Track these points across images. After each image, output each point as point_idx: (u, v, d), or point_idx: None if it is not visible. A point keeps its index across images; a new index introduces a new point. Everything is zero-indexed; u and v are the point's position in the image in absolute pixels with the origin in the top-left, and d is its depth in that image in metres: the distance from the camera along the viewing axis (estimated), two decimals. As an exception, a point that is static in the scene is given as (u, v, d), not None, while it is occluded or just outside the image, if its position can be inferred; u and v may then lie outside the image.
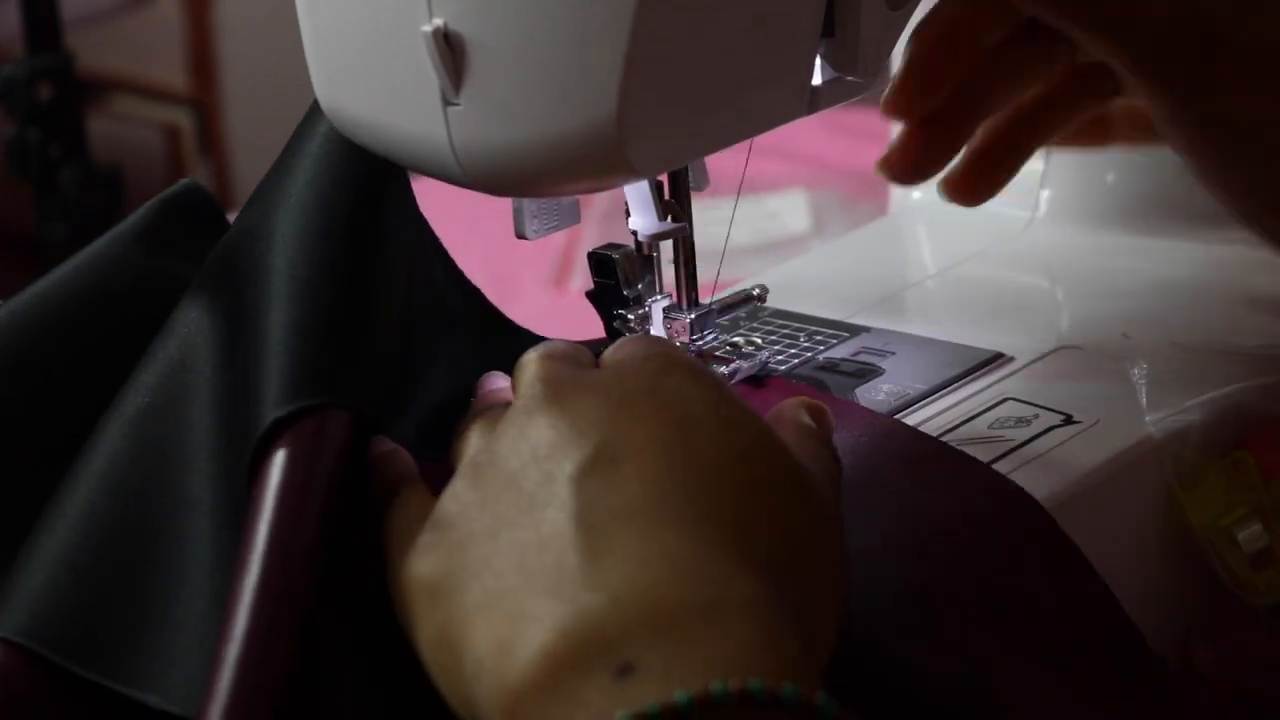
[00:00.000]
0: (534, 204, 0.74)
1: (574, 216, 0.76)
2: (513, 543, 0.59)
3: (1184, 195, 0.91)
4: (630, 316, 0.77)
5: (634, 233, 0.76)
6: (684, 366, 0.64)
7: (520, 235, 0.75)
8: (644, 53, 0.64)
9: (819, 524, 0.61)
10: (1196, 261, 0.90)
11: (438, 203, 1.30)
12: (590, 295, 0.78)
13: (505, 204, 0.75)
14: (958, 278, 0.90)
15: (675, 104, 0.67)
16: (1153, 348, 0.81)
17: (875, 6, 0.71)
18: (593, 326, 0.80)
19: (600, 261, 0.77)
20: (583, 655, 0.55)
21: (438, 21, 0.65)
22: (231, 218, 0.93)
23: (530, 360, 0.67)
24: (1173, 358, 0.80)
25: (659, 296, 0.77)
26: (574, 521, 0.58)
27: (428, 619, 0.60)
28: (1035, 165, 0.93)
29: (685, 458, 0.60)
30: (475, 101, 0.66)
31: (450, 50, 0.65)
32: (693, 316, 0.77)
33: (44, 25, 1.78)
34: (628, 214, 0.75)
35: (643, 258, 0.76)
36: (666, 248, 0.77)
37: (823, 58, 0.71)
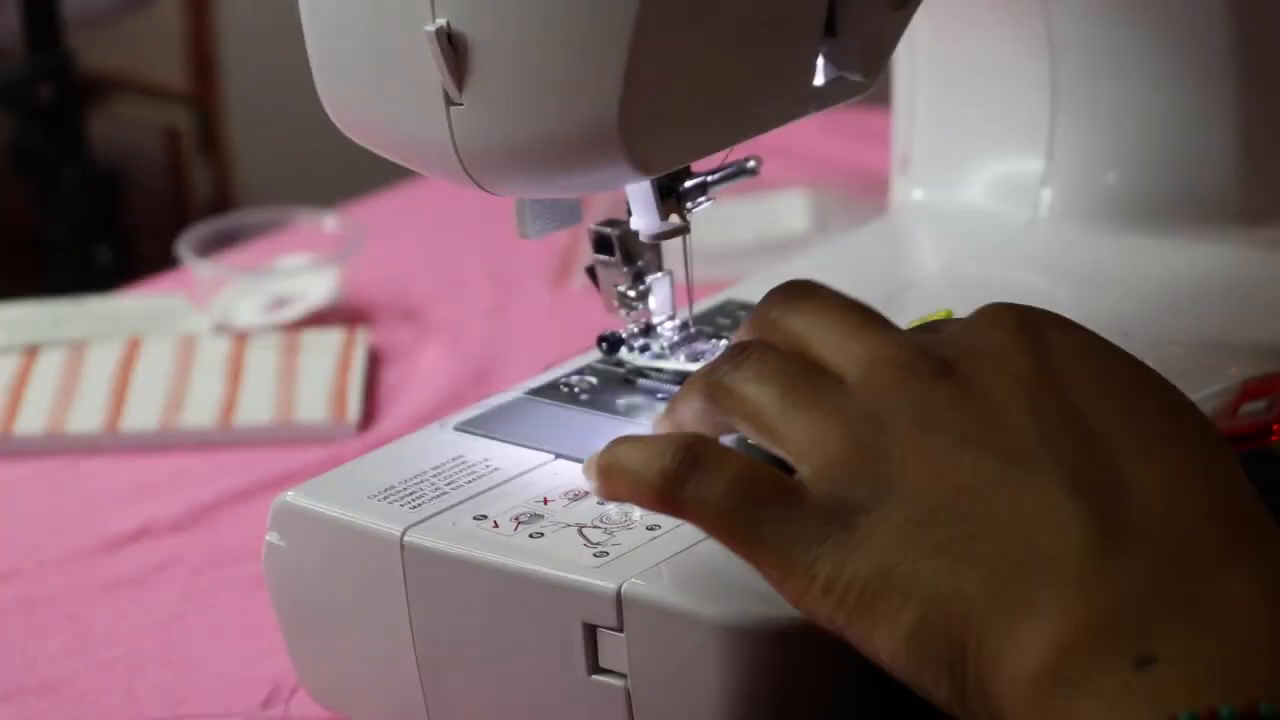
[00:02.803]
0: (535, 203, 0.74)
1: (575, 216, 0.76)
2: (987, 524, 0.55)
3: (1185, 195, 0.91)
4: (631, 292, 0.77)
5: (635, 233, 0.76)
6: (1053, 318, 0.61)
7: (522, 234, 0.75)
8: (646, 53, 0.64)
9: (1249, 483, 0.58)
10: (1196, 261, 0.90)
11: (439, 202, 1.31)
12: (589, 271, 0.78)
13: (507, 203, 0.75)
14: (958, 277, 0.90)
15: (677, 104, 0.67)
16: (1153, 348, 0.81)
17: (877, 6, 0.71)
18: (593, 327, 0.80)
19: (599, 238, 0.76)
20: (1102, 645, 0.53)
21: (440, 21, 0.65)
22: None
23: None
24: (1173, 358, 0.80)
25: (660, 274, 0.77)
26: (1076, 502, 0.55)
27: (892, 619, 0.56)
28: (1036, 165, 0.93)
29: (1149, 436, 0.57)
30: (478, 101, 0.66)
31: (453, 50, 0.65)
32: (687, 185, 0.75)
33: (44, 25, 1.78)
34: (629, 213, 0.75)
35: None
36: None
37: (825, 58, 0.71)
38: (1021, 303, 0.62)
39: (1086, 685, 0.52)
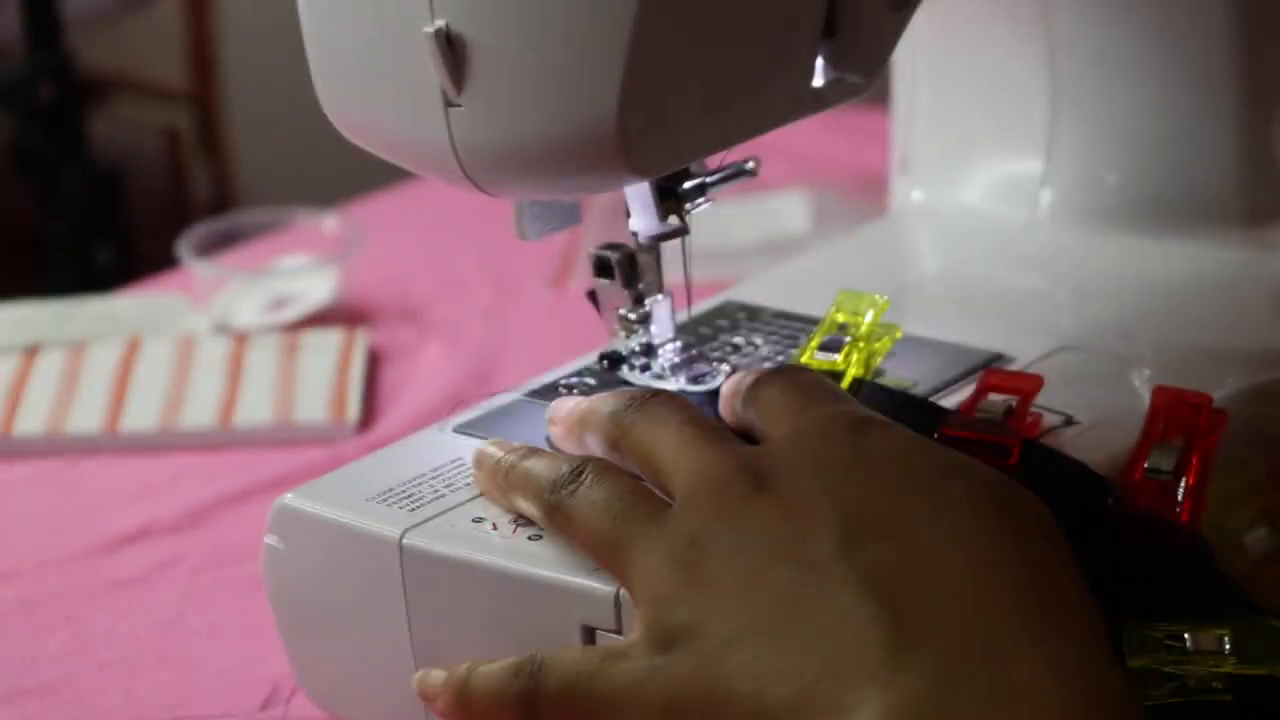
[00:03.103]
0: (534, 205, 0.74)
1: (574, 217, 0.76)
2: (789, 638, 0.57)
3: (1184, 195, 0.91)
4: (631, 315, 0.77)
5: (634, 234, 0.76)
6: (867, 420, 0.63)
7: (521, 236, 0.75)
8: (645, 54, 0.64)
9: (1066, 552, 0.60)
10: (1196, 261, 0.90)
11: (439, 202, 1.31)
12: (590, 295, 0.78)
13: (506, 204, 0.75)
14: (958, 278, 0.90)
15: (676, 105, 0.67)
16: (1153, 348, 0.81)
17: (876, 7, 0.71)
18: (593, 328, 0.80)
19: (600, 262, 0.77)
20: None
21: (440, 22, 0.65)
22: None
23: (672, 440, 0.65)
24: (1173, 358, 0.80)
25: (660, 296, 0.77)
26: (869, 603, 0.57)
27: None
28: (1035, 165, 0.93)
29: (949, 526, 0.59)
30: (477, 102, 0.66)
31: (452, 51, 0.65)
32: (686, 186, 0.76)
33: (44, 25, 1.78)
34: (628, 215, 0.75)
35: (646, 257, 0.76)
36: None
37: (824, 58, 0.71)
38: (863, 410, 0.65)
39: None
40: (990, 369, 0.75)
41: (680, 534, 0.61)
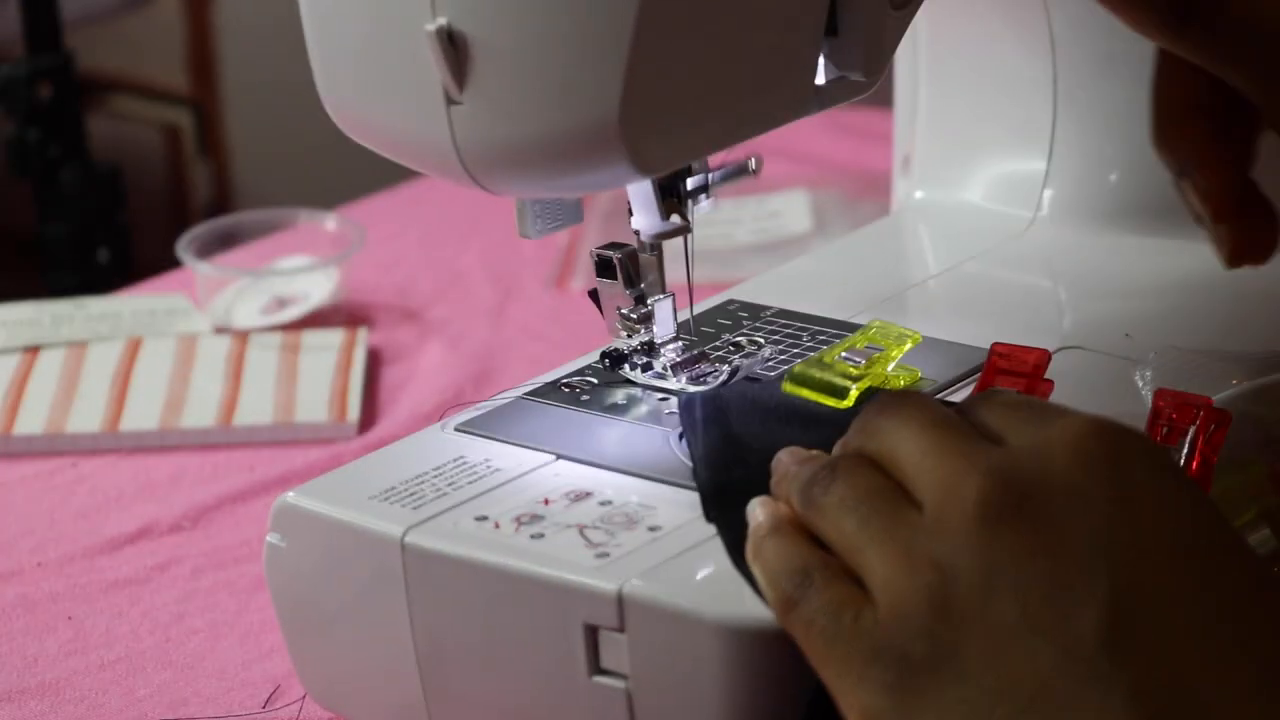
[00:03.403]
0: (536, 203, 0.74)
1: (576, 216, 0.76)
2: (998, 692, 0.55)
3: (1186, 195, 0.91)
4: (633, 315, 0.77)
5: (636, 232, 0.75)
6: (1142, 451, 0.59)
7: (523, 234, 0.75)
8: (647, 52, 0.64)
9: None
10: (1197, 261, 0.90)
11: (439, 202, 1.31)
12: (592, 295, 0.78)
13: (507, 203, 0.75)
14: (960, 278, 0.90)
15: (678, 103, 0.66)
16: (1154, 348, 0.81)
17: (878, 6, 0.71)
18: (593, 327, 0.80)
19: (601, 261, 0.77)
20: None
21: (441, 20, 0.65)
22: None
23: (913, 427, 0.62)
24: (1174, 358, 0.80)
25: (662, 296, 0.77)
26: (1130, 710, 0.54)
27: None
28: (1037, 165, 0.93)
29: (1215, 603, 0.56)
30: (478, 100, 0.66)
31: (454, 49, 0.65)
32: (688, 185, 0.76)
33: (44, 25, 1.78)
34: (630, 213, 0.75)
35: (648, 256, 0.76)
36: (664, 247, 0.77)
37: (826, 57, 0.71)
38: (1107, 420, 0.60)
39: None
40: (997, 344, 0.75)
41: (926, 552, 0.58)
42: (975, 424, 0.62)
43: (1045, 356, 0.74)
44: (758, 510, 0.65)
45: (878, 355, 0.76)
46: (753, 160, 0.77)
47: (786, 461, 0.65)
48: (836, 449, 0.65)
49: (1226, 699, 0.55)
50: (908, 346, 0.77)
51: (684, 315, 0.80)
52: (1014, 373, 0.73)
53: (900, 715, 0.57)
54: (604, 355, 0.79)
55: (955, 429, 0.61)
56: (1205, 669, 0.55)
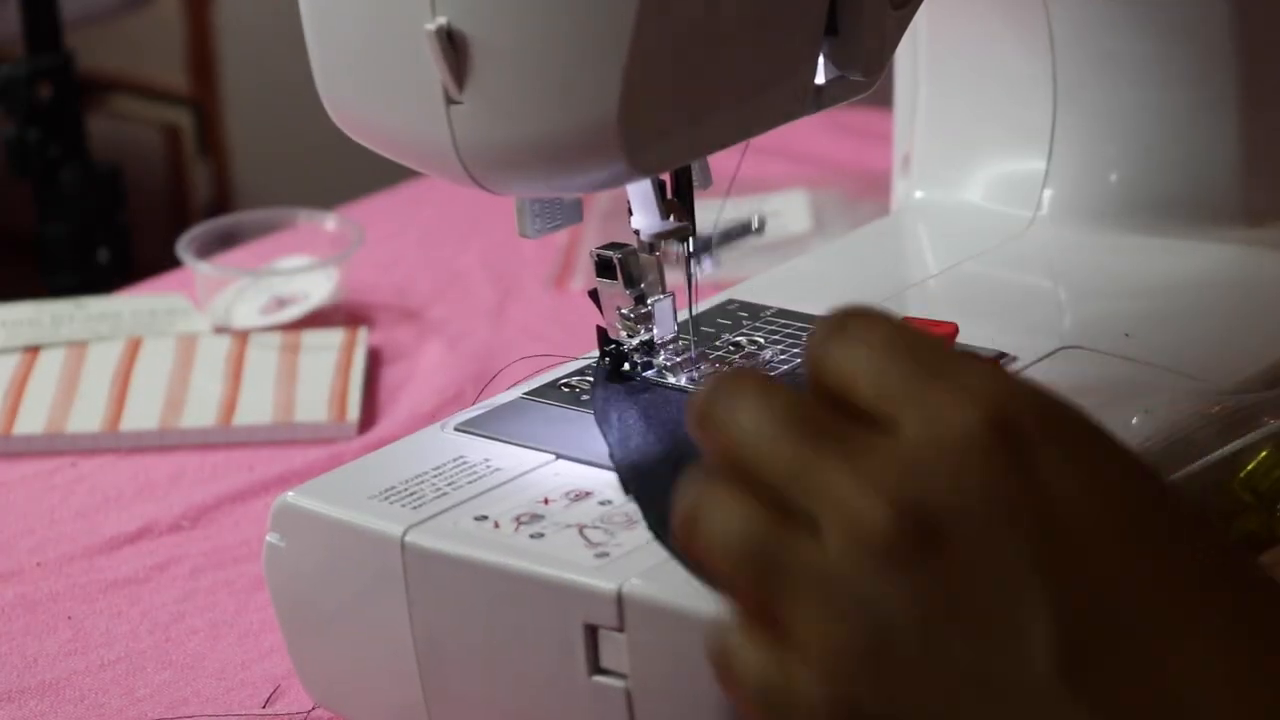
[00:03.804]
0: (536, 203, 0.74)
1: (576, 215, 0.76)
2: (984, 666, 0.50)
3: (1186, 195, 0.91)
4: (633, 315, 0.77)
5: (636, 232, 0.76)
6: (1044, 439, 0.52)
7: (522, 233, 0.75)
8: (646, 52, 0.64)
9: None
10: (1198, 262, 0.90)
11: (439, 202, 1.30)
12: (592, 294, 0.78)
13: (507, 202, 0.75)
14: (960, 277, 0.90)
15: (678, 103, 0.66)
16: (1154, 347, 0.81)
17: (878, 5, 0.71)
18: (594, 325, 0.80)
19: (602, 261, 0.77)
20: None
21: (441, 20, 0.65)
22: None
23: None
24: (1175, 357, 0.80)
25: (662, 296, 0.77)
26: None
27: None
28: (1037, 165, 0.93)
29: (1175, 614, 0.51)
30: (478, 100, 0.66)
31: (453, 49, 0.65)
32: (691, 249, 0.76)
33: (44, 25, 1.78)
34: (630, 213, 0.75)
35: (648, 256, 0.76)
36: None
37: (825, 57, 0.71)
38: (1002, 400, 0.53)
39: None
40: (905, 319, 0.74)
41: (846, 596, 0.52)
42: (858, 398, 0.54)
43: (954, 330, 0.73)
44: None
45: None
46: (756, 218, 0.77)
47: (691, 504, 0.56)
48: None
49: (1198, 693, 0.51)
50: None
51: (684, 315, 0.80)
52: None
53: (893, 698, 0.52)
54: (604, 355, 0.79)
55: (816, 427, 0.53)
56: (1171, 672, 0.51)
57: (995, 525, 0.51)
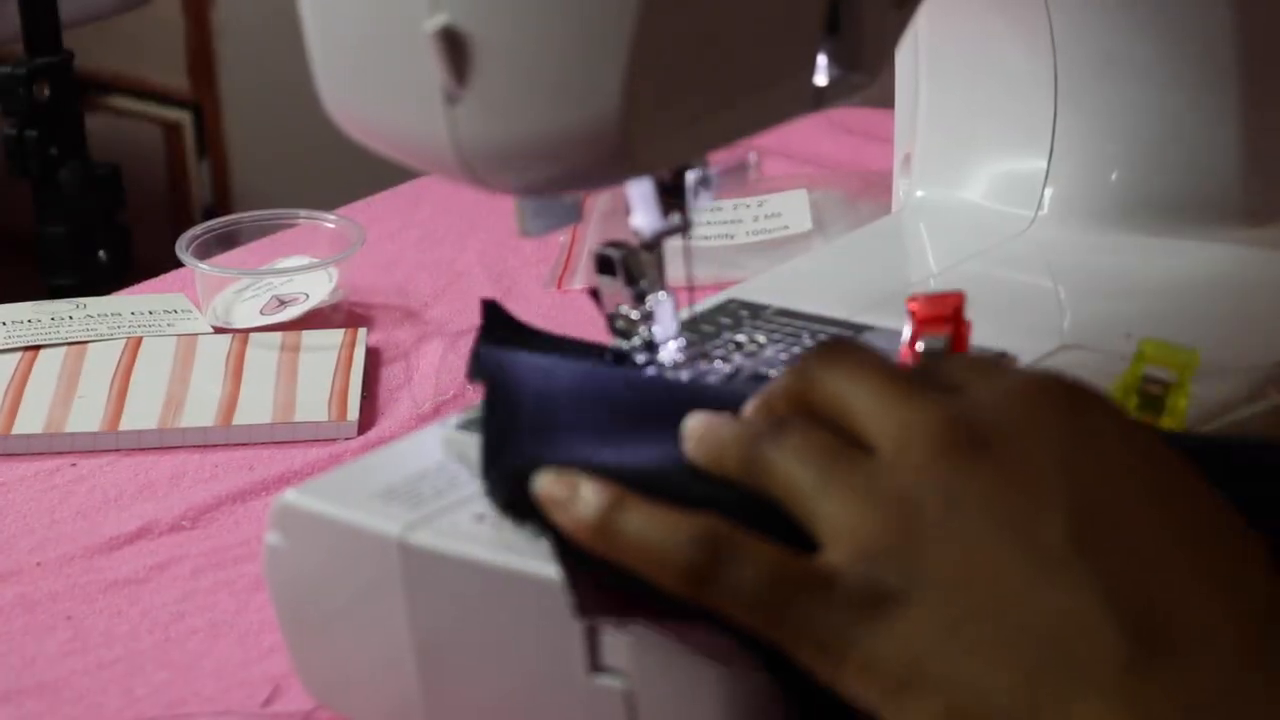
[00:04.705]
0: (536, 202, 0.74)
1: (575, 215, 0.76)
2: (1016, 630, 0.55)
3: (1187, 194, 0.91)
4: (634, 313, 0.77)
5: (636, 231, 0.75)
6: (1078, 390, 0.60)
7: (523, 232, 0.75)
8: (647, 50, 0.64)
9: (1268, 575, 0.58)
10: (1199, 261, 0.90)
11: (439, 202, 1.30)
12: (592, 293, 0.78)
13: (506, 201, 0.75)
14: (960, 277, 0.90)
15: (678, 101, 0.66)
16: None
17: (878, 4, 0.71)
18: (594, 324, 0.80)
19: (602, 260, 0.76)
20: None
21: (441, 18, 0.65)
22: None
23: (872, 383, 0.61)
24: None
25: (662, 294, 0.77)
26: (1105, 606, 0.55)
27: (922, 708, 0.56)
28: (1038, 164, 0.93)
29: (1178, 534, 0.57)
30: (478, 99, 0.66)
31: (453, 47, 0.65)
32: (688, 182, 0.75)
33: (43, 25, 1.78)
34: (629, 212, 0.75)
35: (648, 254, 0.76)
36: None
37: (826, 55, 0.71)
38: (1066, 373, 0.61)
39: None
40: (909, 299, 0.74)
41: (889, 489, 0.58)
42: (930, 377, 0.62)
43: (961, 298, 0.73)
44: (585, 491, 0.63)
45: (1173, 387, 0.75)
46: (752, 155, 0.77)
47: (710, 424, 0.65)
48: (757, 403, 0.65)
49: (1192, 596, 0.55)
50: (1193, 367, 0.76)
51: (684, 314, 0.80)
52: (938, 319, 0.73)
53: (876, 643, 0.56)
54: (604, 353, 0.79)
55: (909, 379, 0.61)
56: (1171, 589, 0.56)
57: (1034, 440, 0.58)
